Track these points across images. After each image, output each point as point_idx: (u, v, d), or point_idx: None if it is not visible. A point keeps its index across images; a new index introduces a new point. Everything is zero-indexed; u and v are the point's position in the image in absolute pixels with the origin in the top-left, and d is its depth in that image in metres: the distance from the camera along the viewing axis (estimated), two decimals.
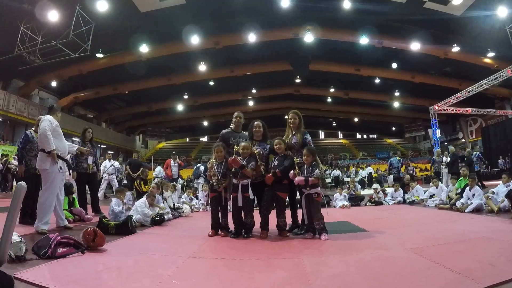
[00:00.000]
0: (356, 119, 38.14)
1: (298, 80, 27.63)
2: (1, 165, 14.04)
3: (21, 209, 5.25)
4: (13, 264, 2.83)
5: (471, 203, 6.66)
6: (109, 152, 13.86)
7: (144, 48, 19.42)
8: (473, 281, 2.34)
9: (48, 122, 4.63)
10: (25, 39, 15.10)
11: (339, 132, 46.57)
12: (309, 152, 4.49)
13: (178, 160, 12.60)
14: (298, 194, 4.81)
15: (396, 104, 31.30)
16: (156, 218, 5.63)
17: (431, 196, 8.80)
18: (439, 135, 24.17)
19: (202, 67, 23.15)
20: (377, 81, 26.17)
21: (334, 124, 41.42)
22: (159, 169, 13.60)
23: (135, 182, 9.97)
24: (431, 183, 9.51)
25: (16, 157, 14.20)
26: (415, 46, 19.33)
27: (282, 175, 4.39)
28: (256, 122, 4.97)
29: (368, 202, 9.42)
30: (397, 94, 29.32)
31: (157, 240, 4.45)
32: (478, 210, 6.47)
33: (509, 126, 21.03)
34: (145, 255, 3.46)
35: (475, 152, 13.96)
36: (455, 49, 19.42)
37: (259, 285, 2.48)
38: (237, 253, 3.54)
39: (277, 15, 17.05)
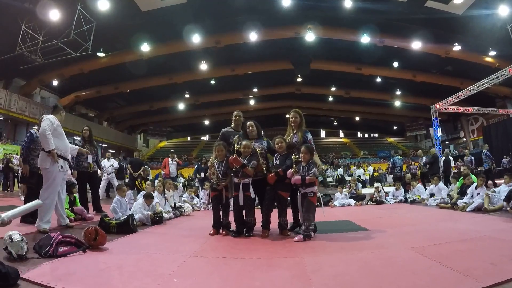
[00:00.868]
0: (357, 118, 38.12)
1: (299, 79, 27.60)
2: (1, 165, 14.07)
3: None
4: (14, 263, 2.84)
5: (473, 202, 6.64)
6: (109, 151, 13.79)
7: (145, 47, 19.42)
8: (474, 280, 2.34)
9: (49, 121, 4.63)
10: (26, 38, 15.11)
11: (340, 131, 46.56)
12: (307, 149, 4.42)
13: (176, 158, 12.61)
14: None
15: (397, 103, 31.26)
16: (156, 218, 5.62)
17: (431, 195, 8.79)
18: (441, 134, 24.06)
19: (203, 66, 23.13)
20: (378, 80, 26.14)
21: (335, 123, 41.40)
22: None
23: (136, 181, 10.00)
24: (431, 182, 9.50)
25: (16, 156, 14.25)
26: (416, 45, 19.30)
27: (284, 174, 4.39)
28: (249, 122, 5.02)
29: (369, 201, 9.41)
30: (398, 93, 29.26)
31: (159, 239, 4.45)
32: (479, 209, 6.42)
33: (510, 125, 20.97)
34: (146, 254, 3.47)
35: (484, 150, 13.98)
36: (457, 48, 19.37)
37: (260, 284, 2.48)
38: (238, 252, 3.55)
39: (278, 14, 17.03)
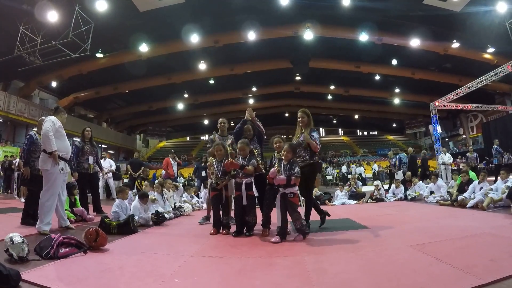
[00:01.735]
0: (356, 116, 38.13)
1: (298, 78, 27.61)
2: None
3: (23, 210, 5.28)
4: (15, 265, 2.84)
5: (474, 197, 6.64)
6: (108, 151, 13.77)
7: (143, 48, 19.42)
8: (474, 277, 2.35)
9: (51, 123, 4.63)
10: (24, 40, 15.10)
11: (340, 129, 46.57)
12: (290, 148, 4.30)
13: (176, 159, 12.59)
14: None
15: (396, 101, 31.31)
16: (159, 219, 5.60)
17: (431, 193, 8.81)
18: (440, 131, 24.16)
19: (202, 66, 23.12)
20: (377, 78, 26.15)
21: (334, 122, 41.44)
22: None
23: (136, 182, 10.01)
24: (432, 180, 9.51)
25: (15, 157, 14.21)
26: (414, 42, 19.30)
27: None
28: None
29: (369, 199, 9.42)
30: (397, 90, 29.29)
31: (159, 239, 4.46)
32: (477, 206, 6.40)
33: (509, 122, 21.00)
34: (147, 254, 3.47)
35: (494, 146, 14.03)
36: (455, 45, 19.38)
37: (261, 283, 2.49)
38: (239, 252, 3.55)
39: (277, 12, 17.02)
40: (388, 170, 15.52)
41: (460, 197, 6.98)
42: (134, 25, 17.15)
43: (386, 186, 11.99)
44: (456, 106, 20.82)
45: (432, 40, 19.12)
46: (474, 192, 6.88)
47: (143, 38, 18.78)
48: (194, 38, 18.52)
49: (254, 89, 29.52)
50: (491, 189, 6.51)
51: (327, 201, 8.90)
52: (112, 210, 5.26)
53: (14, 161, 13.38)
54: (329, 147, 38.82)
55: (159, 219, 5.59)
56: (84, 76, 21.92)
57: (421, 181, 10.17)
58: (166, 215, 6.08)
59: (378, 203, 8.93)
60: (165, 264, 3.04)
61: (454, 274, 2.47)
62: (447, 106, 20.31)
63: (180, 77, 25.10)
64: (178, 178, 16.28)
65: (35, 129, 5.54)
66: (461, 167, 12.79)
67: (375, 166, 24.53)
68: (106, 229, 4.30)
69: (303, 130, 4.85)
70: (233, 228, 4.68)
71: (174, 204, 7.24)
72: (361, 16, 17.23)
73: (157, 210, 5.77)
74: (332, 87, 29.36)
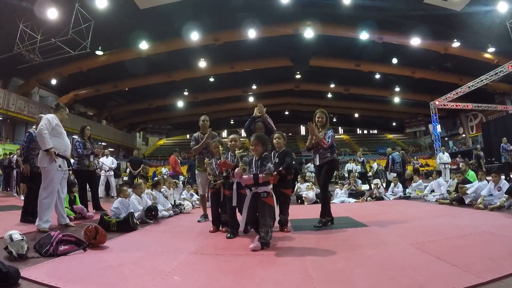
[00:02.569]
0: (356, 115, 38.16)
1: (298, 76, 27.63)
2: None
3: (23, 208, 5.28)
4: (15, 262, 2.84)
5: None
6: (108, 149, 13.75)
7: (143, 45, 19.41)
8: (473, 276, 2.35)
9: (47, 121, 4.62)
10: (24, 37, 15.08)
11: (340, 128, 46.54)
12: (258, 140, 3.75)
13: (179, 157, 12.59)
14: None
15: (396, 100, 31.33)
16: (151, 214, 5.51)
17: (432, 191, 8.81)
18: (440, 130, 24.14)
19: (202, 64, 23.13)
20: (377, 76, 26.18)
21: (334, 120, 41.36)
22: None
23: (136, 179, 10.02)
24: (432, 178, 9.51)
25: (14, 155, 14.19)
26: (415, 41, 19.31)
27: (286, 173, 4.38)
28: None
29: (368, 198, 9.43)
30: (397, 89, 29.31)
31: (159, 236, 4.45)
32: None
33: (509, 121, 20.95)
34: (146, 251, 3.47)
35: (502, 144, 14.04)
36: (455, 44, 19.39)
37: (260, 280, 2.49)
38: (238, 249, 3.55)
39: (277, 10, 17.02)
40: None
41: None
42: (134, 22, 17.13)
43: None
44: (456, 105, 20.85)
45: (432, 39, 19.12)
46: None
47: (143, 36, 18.76)
48: (194, 36, 18.51)
49: (254, 87, 29.53)
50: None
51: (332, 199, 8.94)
52: (114, 206, 5.27)
53: (12, 157, 13.36)
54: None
55: (148, 214, 5.47)
56: (84, 73, 21.92)
57: (420, 180, 10.18)
58: (166, 213, 6.09)
59: (378, 202, 8.94)
60: (165, 262, 3.03)
61: (454, 272, 2.48)
62: (447, 105, 20.34)
63: (180, 75, 25.10)
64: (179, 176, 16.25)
65: (34, 126, 5.52)
66: (460, 166, 12.81)
67: (375, 165, 24.49)
68: (105, 227, 4.30)
69: (320, 130, 4.91)
70: None
71: (174, 202, 7.24)
72: (362, 15, 17.23)
73: (149, 206, 5.70)
74: (332, 86, 29.37)
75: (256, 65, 24.52)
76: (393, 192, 9.68)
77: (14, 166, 12.18)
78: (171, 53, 21.08)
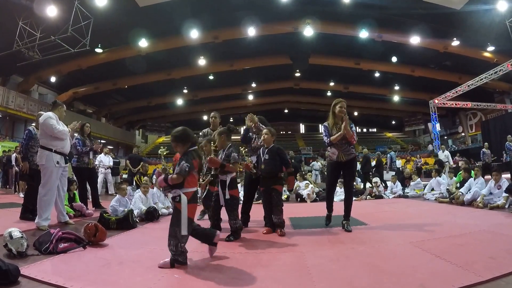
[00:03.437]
0: (356, 113, 38.11)
1: (297, 74, 27.65)
2: None
3: (23, 205, 5.27)
4: (14, 260, 2.84)
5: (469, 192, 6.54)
6: (107, 147, 13.74)
7: (143, 43, 19.39)
8: (473, 274, 2.35)
9: (53, 121, 4.63)
10: (23, 35, 15.05)
11: None
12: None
13: None
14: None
15: (396, 98, 31.33)
16: (150, 215, 5.49)
17: (431, 190, 8.81)
18: (439, 129, 24.19)
19: (202, 62, 23.13)
20: (377, 75, 26.19)
21: None
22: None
23: (135, 177, 10.01)
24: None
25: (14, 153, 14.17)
26: (414, 40, 19.31)
27: (282, 170, 4.33)
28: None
29: (368, 196, 9.43)
30: (397, 88, 29.32)
31: (158, 234, 4.44)
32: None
33: (508, 120, 21.01)
34: (146, 249, 3.48)
35: (507, 143, 14.04)
36: (455, 43, 19.40)
37: (260, 278, 2.49)
38: (238, 247, 3.55)
39: (277, 8, 17.00)
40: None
41: (459, 194, 6.90)
42: (134, 20, 17.11)
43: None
44: (455, 104, 20.89)
45: (432, 38, 19.12)
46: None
47: (142, 34, 18.74)
48: (194, 34, 18.50)
49: (253, 85, 29.52)
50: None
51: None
52: (111, 203, 5.27)
53: (12, 155, 13.35)
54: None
55: (148, 216, 5.45)
56: (83, 71, 21.89)
57: (419, 179, 10.18)
58: (165, 210, 6.09)
59: (377, 200, 8.94)
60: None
61: (454, 271, 2.48)
62: (447, 104, 20.39)
63: (180, 72, 25.09)
64: None
65: (33, 124, 5.51)
66: (459, 165, 12.80)
67: (373, 163, 24.49)
68: (105, 224, 4.29)
69: (344, 122, 4.31)
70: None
71: None
72: (362, 13, 17.23)
73: (154, 206, 5.72)
74: (331, 84, 29.38)
75: (255, 63, 24.51)
76: (392, 191, 9.69)
77: (13, 164, 12.18)
78: (170, 51, 21.06)
